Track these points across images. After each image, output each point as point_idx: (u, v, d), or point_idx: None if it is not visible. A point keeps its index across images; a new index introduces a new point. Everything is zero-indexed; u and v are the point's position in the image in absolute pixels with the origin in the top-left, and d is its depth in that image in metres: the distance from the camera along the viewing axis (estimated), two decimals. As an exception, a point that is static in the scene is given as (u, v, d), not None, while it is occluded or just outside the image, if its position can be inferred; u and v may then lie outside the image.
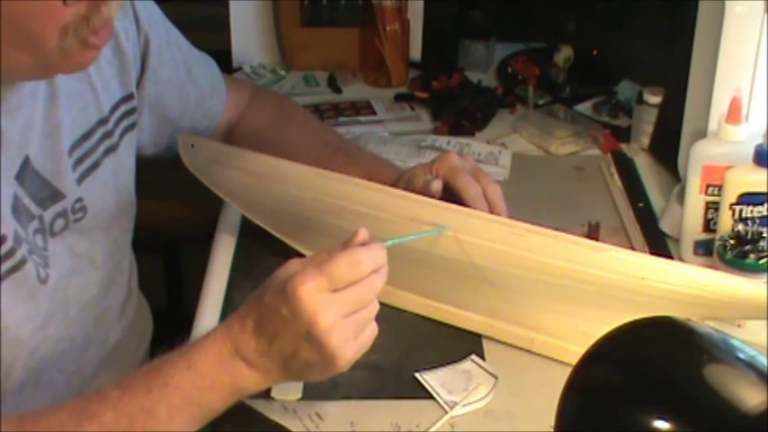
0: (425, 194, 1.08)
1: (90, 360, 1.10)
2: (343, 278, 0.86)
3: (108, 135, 1.08)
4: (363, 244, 0.90)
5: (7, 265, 0.93)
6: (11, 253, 0.93)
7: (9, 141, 0.94)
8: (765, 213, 1.12)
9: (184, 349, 0.90)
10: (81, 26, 0.86)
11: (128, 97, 1.12)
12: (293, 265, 0.89)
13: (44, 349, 1.01)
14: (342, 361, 0.87)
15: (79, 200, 1.04)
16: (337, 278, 0.86)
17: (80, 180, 1.04)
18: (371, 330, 0.90)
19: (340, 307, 0.86)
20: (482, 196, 1.08)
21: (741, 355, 0.77)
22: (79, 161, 1.04)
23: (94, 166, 1.06)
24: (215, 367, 0.88)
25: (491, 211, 1.07)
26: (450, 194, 1.09)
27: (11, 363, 0.97)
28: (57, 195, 1.01)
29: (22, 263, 0.95)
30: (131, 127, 1.13)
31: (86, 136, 1.05)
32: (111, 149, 1.08)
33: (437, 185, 1.09)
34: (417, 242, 1.01)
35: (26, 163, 0.97)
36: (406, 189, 1.10)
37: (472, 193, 1.08)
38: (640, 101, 1.45)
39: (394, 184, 1.12)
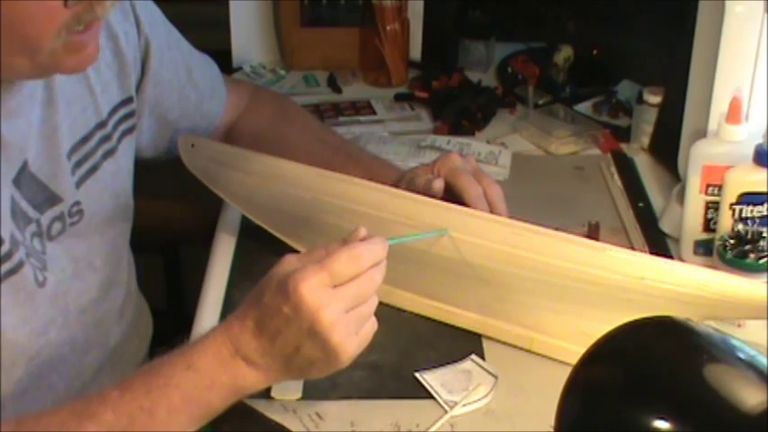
0: (427, 194, 1.08)
1: (90, 363, 1.10)
2: (343, 273, 0.87)
3: (106, 138, 1.08)
4: (363, 240, 0.90)
5: (5, 267, 0.93)
6: (8, 255, 0.93)
7: (8, 145, 0.94)
8: (765, 213, 1.12)
9: (184, 349, 0.90)
10: (72, 24, 0.85)
11: (127, 100, 1.11)
12: (290, 262, 0.89)
13: (46, 354, 1.01)
14: (344, 356, 0.88)
15: (76, 203, 1.03)
16: (338, 273, 0.86)
17: (79, 184, 1.04)
18: (371, 325, 0.90)
19: (341, 302, 0.86)
20: (483, 197, 1.08)
21: (741, 355, 0.77)
22: (78, 165, 1.04)
23: (93, 169, 1.06)
24: (215, 367, 0.88)
25: (492, 212, 1.08)
26: (452, 195, 1.09)
27: (10, 367, 0.97)
28: (54, 199, 1.01)
29: (19, 266, 0.95)
30: (130, 130, 1.13)
31: (85, 139, 1.05)
32: (109, 153, 1.08)
33: (439, 184, 1.09)
34: (418, 242, 1.01)
35: (24, 167, 0.96)
36: (407, 189, 1.10)
37: (473, 194, 1.08)
38: (640, 101, 1.45)
39: (395, 185, 1.12)
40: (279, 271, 0.89)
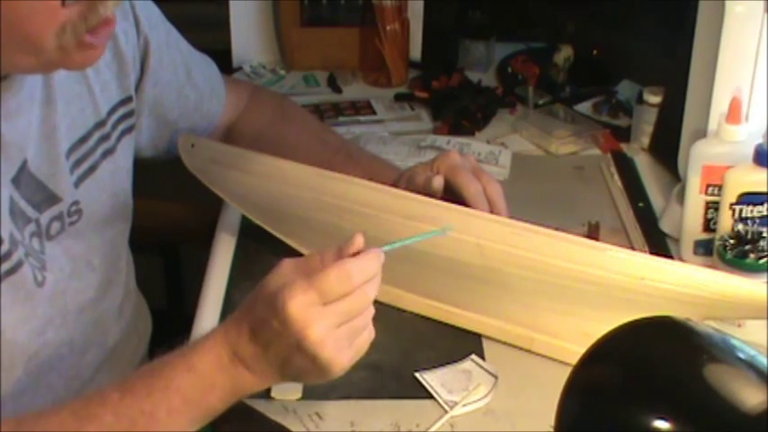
0: (427, 192, 1.08)
1: (89, 363, 1.10)
2: (333, 292, 0.85)
3: (105, 138, 1.08)
4: (358, 252, 0.89)
5: (4, 267, 0.93)
6: (7, 255, 0.93)
7: (8, 145, 0.94)
8: (765, 213, 1.12)
9: (184, 351, 0.89)
10: (78, 24, 0.86)
11: (126, 100, 1.11)
12: (284, 271, 0.88)
13: (44, 354, 1.01)
14: (336, 369, 0.87)
15: (75, 203, 1.03)
16: (327, 292, 0.85)
17: (77, 183, 1.04)
18: (368, 335, 0.89)
19: (331, 319, 0.85)
20: (483, 194, 1.08)
21: (741, 355, 0.77)
22: (77, 164, 1.03)
23: (92, 169, 1.06)
24: (215, 370, 0.88)
25: (491, 210, 1.08)
26: (451, 193, 1.09)
27: (9, 367, 0.97)
28: (53, 198, 1.01)
29: (18, 265, 0.95)
30: (129, 130, 1.13)
31: (84, 139, 1.04)
32: (108, 152, 1.08)
33: (439, 182, 1.09)
34: (418, 242, 1.01)
35: (23, 166, 0.96)
36: (407, 187, 1.10)
37: (473, 191, 1.08)
38: (640, 101, 1.45)
39: (394, 184, 1.12)
40: (272, 282, 0.88)
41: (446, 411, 0.99)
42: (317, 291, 0.85)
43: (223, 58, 1.52)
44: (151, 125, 1.19)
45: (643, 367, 0.77)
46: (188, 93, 1.21)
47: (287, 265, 0.89)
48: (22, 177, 0.97)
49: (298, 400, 0.99)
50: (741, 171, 1.13)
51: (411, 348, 1.07)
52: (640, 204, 1.34)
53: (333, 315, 0.85)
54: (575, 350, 0.90)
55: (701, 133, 1.21)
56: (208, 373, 0.88)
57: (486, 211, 1.07)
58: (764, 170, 1.11)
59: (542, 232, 0.98)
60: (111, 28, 0.89)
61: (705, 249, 1.19)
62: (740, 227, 1.12)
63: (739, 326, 1.05)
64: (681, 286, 0.93)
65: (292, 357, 0.87)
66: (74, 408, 0.88)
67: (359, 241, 0.89)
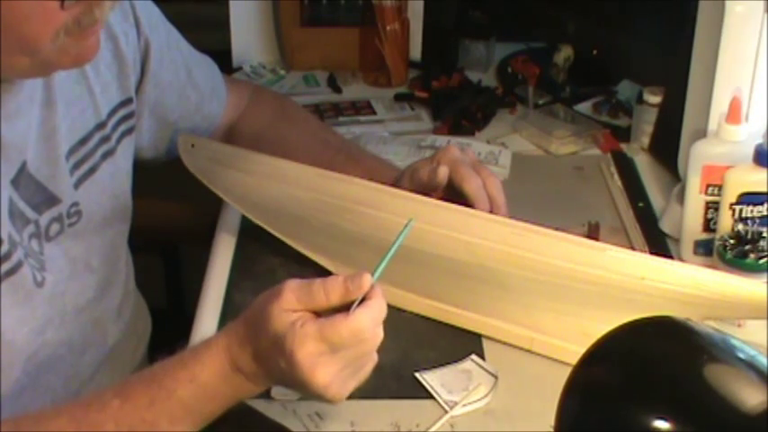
0: (432, 183, 1.08)
1: (88, 363, 1.10)
2: (343, 345, 0.85)
3: (105, 139, 1.08)
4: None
5: (4, 267, 0.93)
6: (7, 256, 0.93)
7: (8, 146, 0.94)
8: (765, 213, 1.12)
9: (186, 359, 0.89)
10: (71, 27, 0.86)
11: (126, 101, 1.11)
12: (287, 304, 0.85)
13: (42, 354, 1.01)
14: (339, 400, 0.87)
15: (75, 204, 1.03)
16: (338, 345, 0.84)
17: (77, 185, 1.04)
18: (372, 363, 0.89)
19: (339, 364, 0.85)
20: (483, 188, 1.09)
21: (741, 355, 0.77)
22: (76, 166, 1.03)
23: (92, 170, 1.06)
24: (217, 380, 0.88)
25: (491, 204, 1.08)
26: (451, 188, 1.09)
27: (8, 367, 0.97)
28: (52, 200, 1.01)
29: (18, 266, 0.95)
30: (129, 131, 1.13)
31: (84, 140, 1.04)
32: (108, 154, 1.08)
33: (444, 171, 1.09)
34: (417, 242, 1.01)
35: (23, 168, 0.96)
36: (411, 182, 1.10)
37: (474, 186, 1.08)
38: (640, 101, 1.45)
39: (394, 184, 1.12)
40: (276, 314, 0.85)
41: (446, 411, 0.99)
42: (328, 343, 0.84)
43: (223, 58, 1.52)
44: (152, 126, 1.19)
45: (643, 367, 0.77)
46: (189, 93, 1.21)
47: (289, 294, 0.86)
48: (22, 179, 0.96)
49: (298, 400, 0.99)
50: (741, 171, 1.13)
51: (411, 348, 1.07)
52: (640, 204, 1.34)
53: (342, 360, 0.85)
54: (575, 350, 0.90)
55: (701, 133, 1.21)
56: (210, 383, 0.88)
57: (486, 206, 1.08)
58: (764, 170, 1.11)
59: (542, 232, 0.98)
60: (99, 27, 0.89)
61: (705, 249, 1.19)
62: (740, 227, 1.12)
63: (739, 326, 1.05)
64: (681, 286, 0.93)
65: (295, 386, 0.88)
66: (72, 412, 0.88)
67: (366, 283, 0.86)
